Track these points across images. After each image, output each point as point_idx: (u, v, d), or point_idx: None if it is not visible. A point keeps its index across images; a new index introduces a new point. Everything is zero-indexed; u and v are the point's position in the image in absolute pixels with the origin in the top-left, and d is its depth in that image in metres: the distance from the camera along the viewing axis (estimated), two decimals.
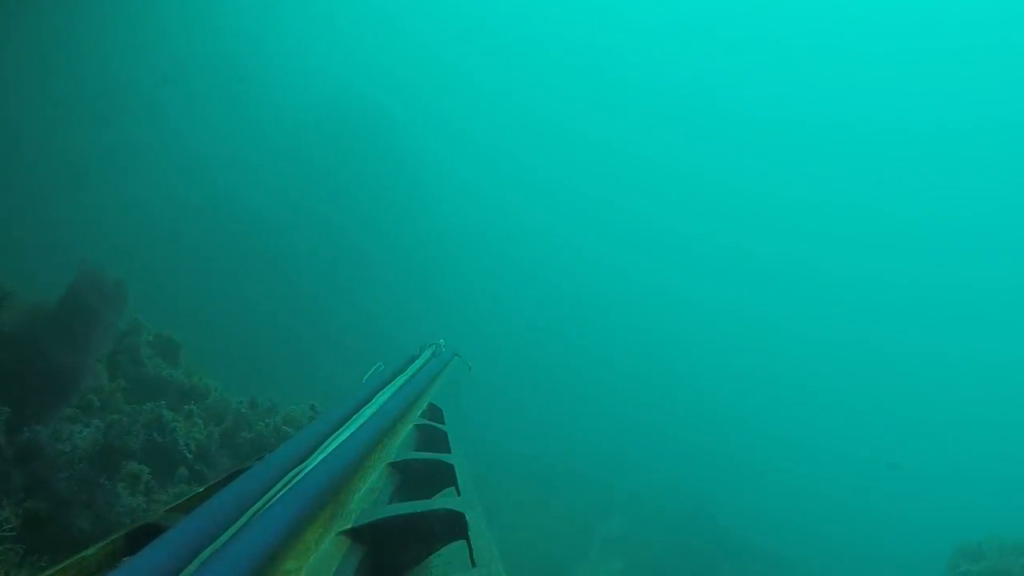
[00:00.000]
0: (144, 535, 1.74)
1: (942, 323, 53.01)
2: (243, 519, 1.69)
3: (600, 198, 56.05)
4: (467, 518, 1.78)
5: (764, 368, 46.28)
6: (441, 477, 2.33)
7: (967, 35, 59.09)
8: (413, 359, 4.50)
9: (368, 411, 2.89)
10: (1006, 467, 35.81)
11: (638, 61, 64.13)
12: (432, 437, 2.82)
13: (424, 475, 2.38)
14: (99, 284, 5.14)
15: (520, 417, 27.58)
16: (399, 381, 3.67)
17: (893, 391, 47.01)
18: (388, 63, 43.68)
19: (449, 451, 2.56)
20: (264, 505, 1.80)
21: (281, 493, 1.87)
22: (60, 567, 1.59)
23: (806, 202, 60.28)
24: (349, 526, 1.81)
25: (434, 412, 3.14)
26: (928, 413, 45.13)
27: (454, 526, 1.81)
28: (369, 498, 2.04)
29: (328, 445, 2.36)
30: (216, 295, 18.58)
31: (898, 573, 23.53)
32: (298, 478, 1.99)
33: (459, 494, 2.07)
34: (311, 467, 2.09)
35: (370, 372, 4.03)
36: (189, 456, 6.59)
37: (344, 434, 2.49)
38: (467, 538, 1.70)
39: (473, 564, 1.55)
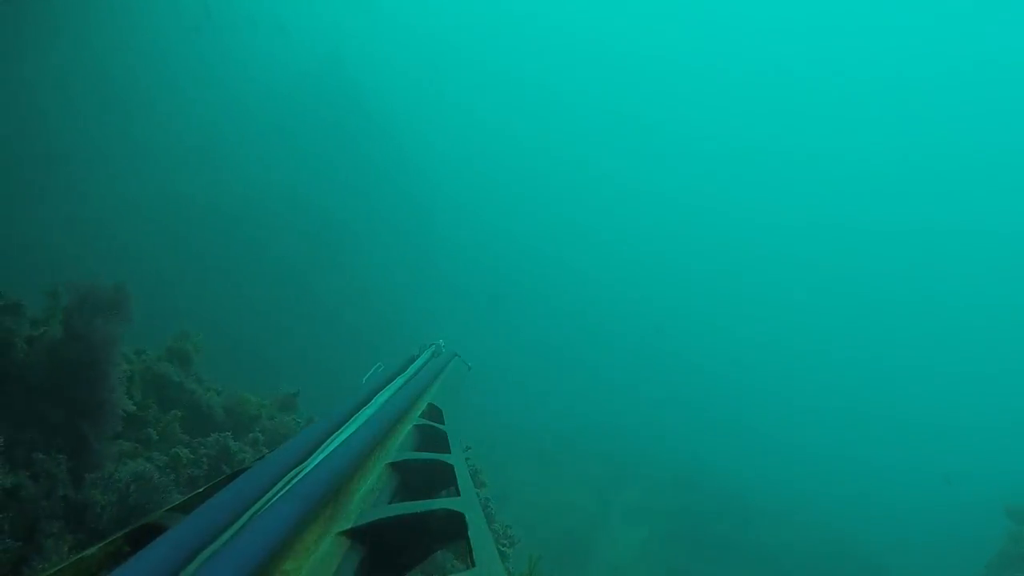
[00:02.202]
0: (144, 535, 1.74)
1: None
2: (243, 519, 1.70)
3: (599, 174, 56.56)
4: (467, 518, 1.78)
5: (764, 339, 46.79)
6: (441, 477, 2.33)
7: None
8: (413, 359, 4.51)
9: (368, 411, 2.89)
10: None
11: (644, 53, 64.37)
12: (432, 437, 2.82)
13: (424, 475, 2.38)
14: (96, 301, 4.89)
15: (525, 395, 27.67)
16: (399, 381, 3.68)
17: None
18: (376, 41, 43.71)
19: (449, 451, 2.56)
20: (264, 505, 1.80)
21: (281, 493, 1.87)
22: (60, 567, 1.59)
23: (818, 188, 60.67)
24: (349, 526, 1.81)
25: (434, 412, 3.14)
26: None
27: (454, 526, 1.81)
28: (369, 498, 2.04)
29: (328, 445, 2.36)
30: (210, 290, 18.27)
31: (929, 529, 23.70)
32: (298, 478, 1.99)
33: (459, 494, 2.07)
34: (311, 467, 2.09)
35: (370, 372, 4.04)
36: None
37: (344, 434, 2.50)
38: (467, 538, 1.70)
39: (473, 564, 1.55)
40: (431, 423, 2.92)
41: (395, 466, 2.33)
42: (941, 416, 39.35)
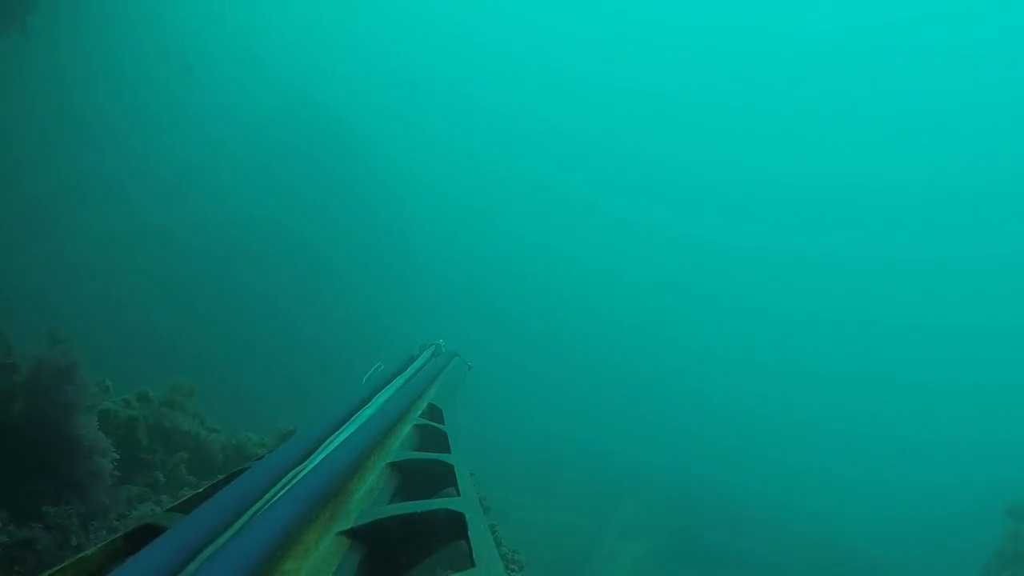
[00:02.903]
0: (144, 535, 1.74)
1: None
2: (243, 519, 1.70)
3: (576, 193, 57.19)
4: (467, 518, 1.78)
5: (756, 355, 47.17)
6: (441, 477, 2.33)
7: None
8: (413, 359, 4.51)
9: (368, 411, 2.89)
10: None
11: (620, 59, 64.92)
12: (432, 437, 2.82)
13: (424, 475, 2.38)
14: (50, 370, 4.85)
15: (510, 417, 27.71)
16: (399, 381, 3.68)
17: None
18: (349, 68, 44.46)
19: (449, 451, 2.56)
20: (264, 505, 1.80)
21: (281, 493, 1.87)
22: (60, 567, 1.59)
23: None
24: (349, 526, 1.81)
25: (434, 412, 3.14)
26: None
27: (454, 526, 1.81)
28: (369, 498, 2.04)
29: (328, 445, 2.36)
30: (194, 325, 17.93)
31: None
32: (298, 478, 1.99)
33: (459, 494, 2.07)
34: (311, 467, 2.09)
35: (370, 372, 4.04)
36: None
37: (344, 434, 2.50)
38: (467, 538, 1.70)
39: (473, 564, 1.55)
40: (431, 423, 2.92)
41: (395, 466, 2.33)
42: (933, 423, 39.78)
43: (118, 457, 5.17)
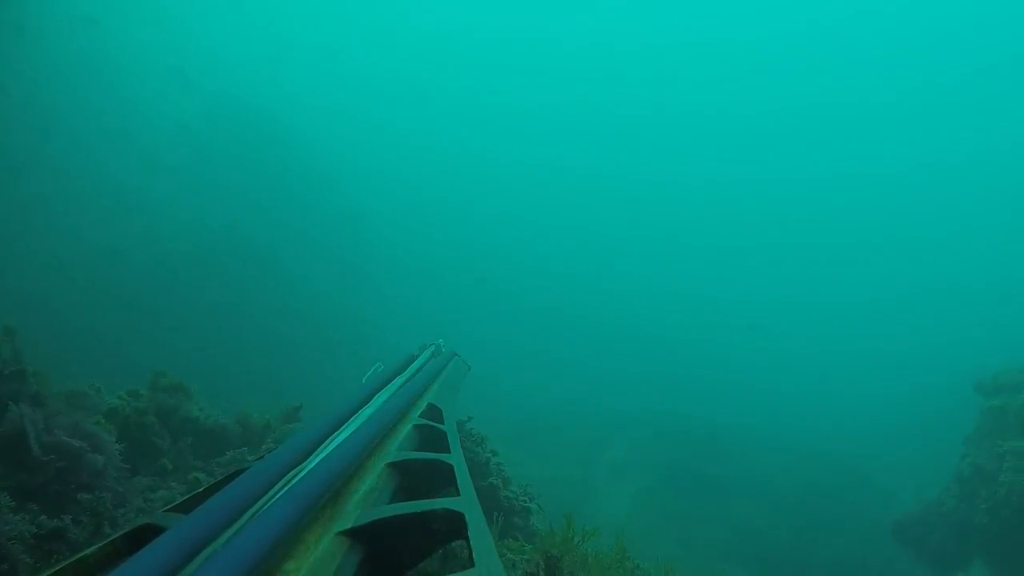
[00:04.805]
0: (144, 535, 1.74)
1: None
2: (243, 519, 1.70)
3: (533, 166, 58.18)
4: (466, 518, 1.78)
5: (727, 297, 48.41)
6: (440, 477, 2.33)
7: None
8: (412, 359, 4.51)
9: (367, 411, 2.89)
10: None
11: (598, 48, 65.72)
12: (431, 437, 2.82)
13: (423, 475, 2.38)
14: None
15: (487, 383, 28.00)
16: (398, 381, 3.68)
17: None
18: (284, 70, 45.06)
19: (448, 451, 2.56)
20: (264, 505, 1.80)
21: (281, 493, 1.87)
22: (60, 567, 1.59)
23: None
24: (349, 526, 1.80)
25: (433, 412, 3.14)
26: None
27: (453, 526, 1.81)
28: (368, 498, 2.03)
29: (328, 445, 2.36)
30: (151, 341, 17.28)
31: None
32: (298, 478, 1.99)
33: (458, 494, 2.07)
34: (311, 467, 2.09)
35: (370, 372, 4.04)
36: None
37: (343, 434, 2.50)
38: (466, 538, 1.70)
39: (473, 564, 1.55)
40: (431, 423, 2.92)
41: (395, 466, 2.33)
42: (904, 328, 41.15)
43: (121, 449, 5.23)
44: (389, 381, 3.59)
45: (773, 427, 25.70)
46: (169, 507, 1.97)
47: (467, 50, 64.72)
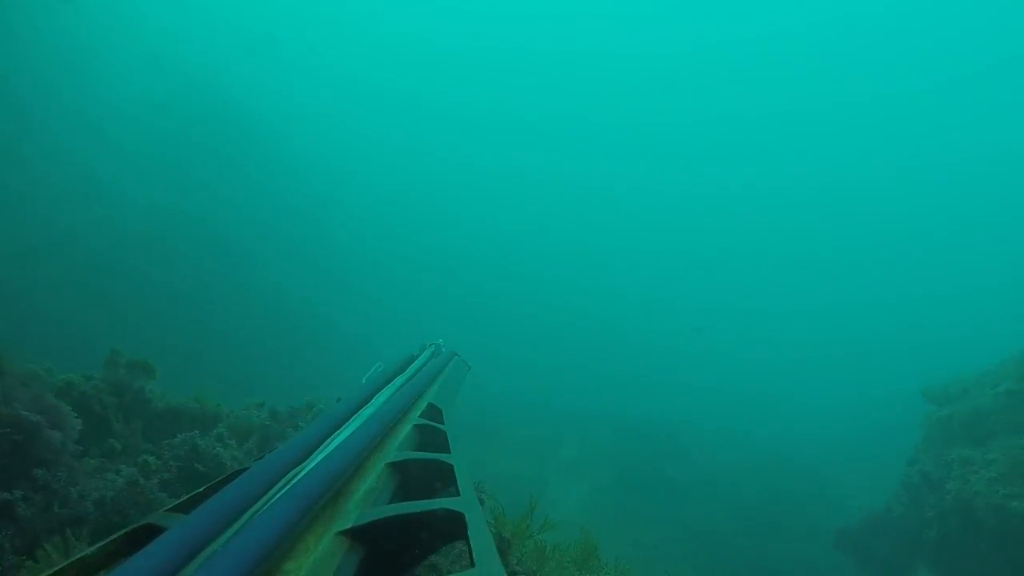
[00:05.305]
0: (144, 535, 1.74)
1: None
2: (243, 519, 1.70)
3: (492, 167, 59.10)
4: (467, 518, 1.78)
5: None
6: (440, 477, 2.33)
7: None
8: (412, 359, 4.51)
9: (367, 411, 2.89)
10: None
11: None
12: (431, 437, 2.82)
13: (423, 475, 2.38)
14: None
15: None
16: (398, 381, 3.68)
17: None
18: (249, 59, 45.06)
19: (448, 451, 2.56)
20: (264, 505, 1.81)
21: (280, 493, 1.87)
22: (60, 567, 1.59)
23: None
24: (348, 526, 1.81)
25: (433, 412, 3.14)
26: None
27: (453, 526, 1.81)
28: (368, 498, 2.04)
29: (327, 445, 2.37)
30: (114, 327, 17.21)
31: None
32: (297, 478, 1.99)
33: (459, 494, 2.07)
34: (310, 467, 2.09)
35: (369, 372, 4.04)
36: None
37: (343, 434, 2.50)
38: (467, 538, 1.70)
39: (473, 564, 1.55)
40: (431, 423, 2.92)
41: (394, 466, 2.33)
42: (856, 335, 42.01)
43: (80, 427, 5.19)
44: (389, 381, 3.59)
45: (732, 430, 26.07)
46: (169, 507, 1.97)
47: (464, 52, 65.47)
